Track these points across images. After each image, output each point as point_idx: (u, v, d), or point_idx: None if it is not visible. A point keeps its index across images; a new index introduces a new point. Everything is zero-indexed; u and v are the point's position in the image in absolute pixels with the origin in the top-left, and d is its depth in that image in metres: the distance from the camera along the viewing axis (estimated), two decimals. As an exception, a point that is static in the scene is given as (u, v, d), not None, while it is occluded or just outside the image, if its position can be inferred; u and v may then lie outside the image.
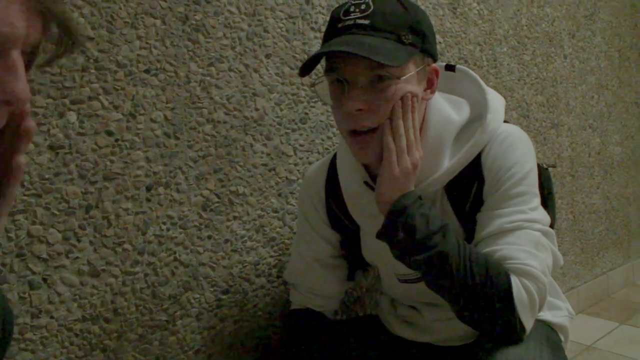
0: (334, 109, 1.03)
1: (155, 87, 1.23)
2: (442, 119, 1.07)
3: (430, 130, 1.06)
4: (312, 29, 1.55)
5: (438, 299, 1.05)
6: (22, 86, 0.52)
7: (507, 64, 2.30)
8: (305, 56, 1.52)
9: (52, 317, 1.09)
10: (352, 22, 0.96)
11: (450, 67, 1.19)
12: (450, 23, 2.01)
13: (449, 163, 1.05)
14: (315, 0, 1.55)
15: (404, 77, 0.97)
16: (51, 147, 1.09)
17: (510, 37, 2.32)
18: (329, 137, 1.58)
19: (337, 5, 1.07)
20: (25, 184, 1.06)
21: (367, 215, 1.15)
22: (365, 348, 1.27)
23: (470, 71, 1.17)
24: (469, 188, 1.07)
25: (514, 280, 0.95)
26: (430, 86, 1.05)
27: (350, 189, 1.17)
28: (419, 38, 0.99)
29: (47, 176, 1.08)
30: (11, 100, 0.52)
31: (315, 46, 1.54)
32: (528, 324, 0.96)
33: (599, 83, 2.95)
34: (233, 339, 1.37)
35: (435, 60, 1.06)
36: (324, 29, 1.57)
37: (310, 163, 1.53)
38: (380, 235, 1.01)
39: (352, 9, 0.98)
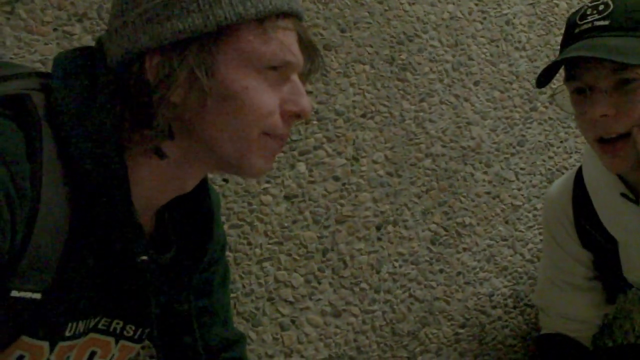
0: (577, 117, 0.98)
1: (373, 129, 1.27)
2: None
3: None
4: (517, 48, 1.50)
5: None
6: (308, 101, 0.69)
7: None
8: (514, 77, 1.47)
9: (302, 357, 1.15)
10: (589, 25, 0.92)
11: None
12: None
13: None
14: (515, 20, 1.51)
15: None
16: (287, 197, 1.16)
17: None
18: (550, 157, 1.50)
19: (573, 11, 1.02)
20: (268, 233, 1.14)
21: (629, 230, 1.06)
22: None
23: None
24: None
25: None
26: None
27: (606, 202, 1.09)
28: None
29: (286, 224, 1.16)
30: (302, 113, 0.68)
31: (523, 66, 1.49)
32: None
33: None
34: (476, 374, 1.33)
35: None
36: (528, 47, 1.53)
37: (533, 186, 1.46)
38: None
39: (588, 12, 0.93)
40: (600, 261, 1.17)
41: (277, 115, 0.68)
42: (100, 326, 0.72)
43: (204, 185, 0.78)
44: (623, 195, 1.04)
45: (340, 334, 1.19)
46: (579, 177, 1.16)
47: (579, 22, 0.94)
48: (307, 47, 0.71)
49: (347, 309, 1.20)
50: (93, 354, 0.73)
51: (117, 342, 0.75)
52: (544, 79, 0.97)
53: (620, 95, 0.91)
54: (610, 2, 0.91)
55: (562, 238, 1.18)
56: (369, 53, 1.29)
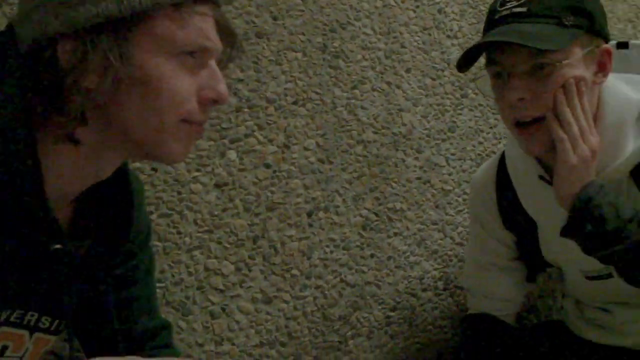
0: (497, 101, 1.01)
1: (305, 116, 1.27)
2: (620, 101, 1.00)
3: (608, 114, 1.00)
4: (449, 36, 1.53)
5: (633, 297, 0.97)
6: (225, 86, 0.69)
7: (669, 38, 2.11)
8: (445, 65, 1.50)
9: (233, 344, 1.16)
10: (508, 11, 0.95)
11: (622, 45, 1.12)
12: (598, 6, 1.89)
13: (633, 146, 0.98)
14: (447, 9, 1.54)
15: (567, 61, 0.92)
16: (217, 185, 1.16)
17: (668, 9, 2.13)
18: (480, 143, 1.54)
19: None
20: (198, 221, 1.14)
21: (545, 211, 1.09)
22: (552, 354, 1.21)
23: None
24: None
25: None
26: (602, 69, 0.98)
27: (524, 185, 1.13)
28: (583, 19, 0.94)
29: (216, 212, 1.16)
30: (219, 98, 0.69)
31: (454, 54, 1.52)
32: None
33: None
34: (405, 355, 1.37)
35: (607, 41, 0.99)
36: (459, 35, 1.56)
37: (463, 171, 1.50)
38: (565, 231, 0.96)
39: None
40: (522, 242, 1.22)
41: (194, 102, 0.68)
42: (12, 319, 0.70)
43: (122, 172, 0.77)
44: (541, 177, 1.07)
45: (272, 321, 1.20)
46: (502, 161, 1.19)
47: (499, 9, 0.97)
48: (226, 33, 0.71)
49: (278, 296, 1.21)
50: (5, 348, 0.72)
51: (31, 335, 0.74)
52: (464, 63, 0.99)
53: (536, 80, 0.94)
54: None
55: (487, 220, 1.22)
56: (301, 41, 1.29)
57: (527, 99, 0.94)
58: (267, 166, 1.22)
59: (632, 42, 1.10)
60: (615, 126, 0.99)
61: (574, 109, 0.94)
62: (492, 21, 0.97)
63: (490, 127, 1.55)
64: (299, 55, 1.28)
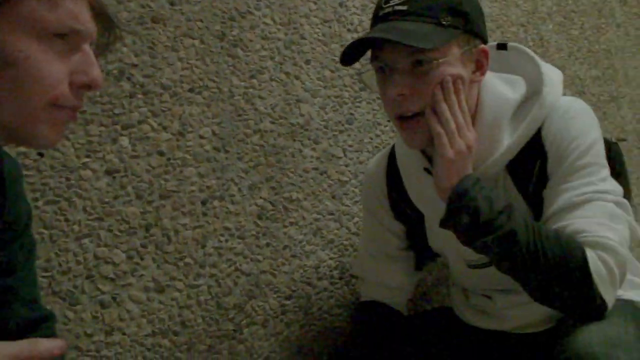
0: (381, 96, 1.04)
1: (201, 104, 1.26)
2: (497, 99, 1.05)
3: (486, 111, 1.04)
4: (349, 30, 1.56)
5: (511, 285, 1.02)
6: (99, 71, 0.67)
7: (555, 42, 2.24)
8: (345, 58, 1.53)
9: (124, 334, 1.14)
10: (390, 9, 0.98)
11: (502, 46, 1.17)
12: (490, 8, 1.98)
13: (508, 142, 1.03)
14: (349, 2, 1.57)
15: (444, 59, 0.96)
16: (108, 172, 1.14)
17: (554, 13, 2.26)
18: (377, 135, 1.58)
19: None
20: (88, 208, 1.11)
21: (430, 202, 1.13)
22: (439, 340, 1.26)
23: (524, 47, 1.14)
24: (532, 166, 1.04)
25: (590, 254, 0.91)
26: (479, 68, 1.03)
27: (410, 176, 1.17)
28: (460, 19, 0.98)
29: (106, 200, 1.13)
30: (92, 84, 0.67)
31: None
32: (609, 298, 0.92)
33: (658, 50, 2.83)
34: (301, 343, 1.39)
35: (484, 42, 1.04)
36: (359, 29, 1.59)
37: (360, 163, 1.53)
38: (444, 222, 1.00)
39: None
40: (411, 233, 1.26)
41: (65, 86, 0.66)
42: None
43: None
44: (425, 169, 1.11)
45: (164, 310, 1.18)
46: (392, 153, 1.24)
47: (383, 6, 1.00)
48: (102, 17, 0.70)
49: (171, 284, 1.20)
50: None
51: None
52: (348, 58, 1.02)
53: (416, 77, 0.97)
54: None
55: (378, 211, 1.26)
56: (199, 28, 1.28)
57: (407, 94, 0.97)
58: (161, 154, 1.20)
59: (511, 44, 1.16)
60: (492, 123, 1.04)
61: (451, 106, 0.98)
62: (376, 17, 1.00)
63: (388, 121, 1.60)
64: (197, 42, 1.27)
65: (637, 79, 2.65)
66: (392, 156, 1.24)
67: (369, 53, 1.04)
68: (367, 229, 1.31)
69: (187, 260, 1.22)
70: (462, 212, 0.95)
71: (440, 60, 0.96)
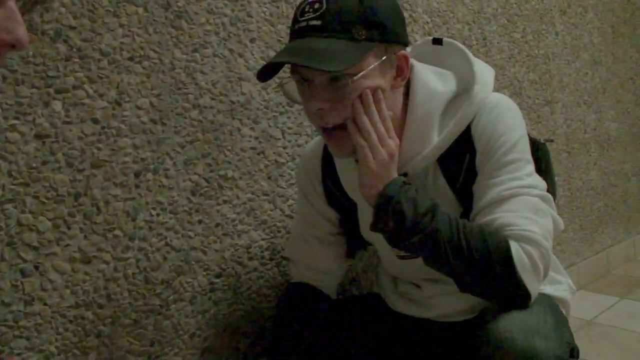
0: (303, 105, 1.05)
1: (140, 74, 1.24)
2: (428, 93, 1.07)
3: (417, 106, 1.06)
4: (297, 12, 1.55)
5: (438, 275, 1.05)
6: (24, 31, 0.62)
7: (497, 43, 2.30)
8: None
9: (45, 304, 1.11)
10: (305, 23, 0.96)
11: (437, 41, 1.19)
12: (438, 3, 2.02)
13: (439, 137, 1.06)
14: (299, -16, 1.56)
15: (361, 74, 0.96)
16: (37, 136, 1.10)
17: (499, 15, 2.32)
18: (317, 120, 1.58)
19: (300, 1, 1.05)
20: (13, 173, 1.07)
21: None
22: (366, 324, 1.28)
23: (458, 43, 1.16)
24: (462, 161, 1.08)
25: (514, 246, 0.95)
26: (400, 73, 1.04)
27: (344, 167, 1.18)
28: (375, 31, 0.97)
29: (34, 165, 1.10)
30: (16, 43, 0.62)
31: (300, 29, 1.54)
32: (533, 288, 0.96)
33: (593, 59, 2.95)
34: (228, 321, 1.39)
35: (405, 46, 1.05)
36: (308, 12, 1.59)
37: (298, 146, 1.54)
38: (372, 227, 1.02)
39: (307, 9, 0.97)
40: (344, 220, 1.28)
41: None
42: None
43: None
44: (357, 162, 1.13)
45: (89, 281, 1.16)
46: None
47: (299, 19, 0.98)
48: None
49: (98, 256, 1.17)
50: None
51: None
52: (265, 75, 1.00)
53: (335, 91, 0.98)
54: (324, 2, 0.96)
55: (312, 195, 1.27)
56: (148, -5, 1.25)
57: (325, 108, 0.99)
58: (95, 121, 1.17)
59: (446, 39, 1.18)
60: (423, 117, 1.06)
61: (371, 117, 0.99)
62: (293, 30, 0.99)
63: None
64: (140, 10, 1.24)
65: (570, 86, 2.76)
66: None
67: None
68: (300, 211, 1.32)
69: (116, 232, 1.20)
70: (389, 217, 0.98)
71: (355, 77, 0.96)
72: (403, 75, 1.05)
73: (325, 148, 1.25)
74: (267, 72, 1.00)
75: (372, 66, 0.98)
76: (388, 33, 0.99)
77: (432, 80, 1.09)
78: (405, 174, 1.09)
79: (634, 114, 3.32)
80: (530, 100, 2.48)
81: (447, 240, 0.96)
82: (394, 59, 1.02)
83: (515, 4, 2.42)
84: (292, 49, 0.95)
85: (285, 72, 1.11)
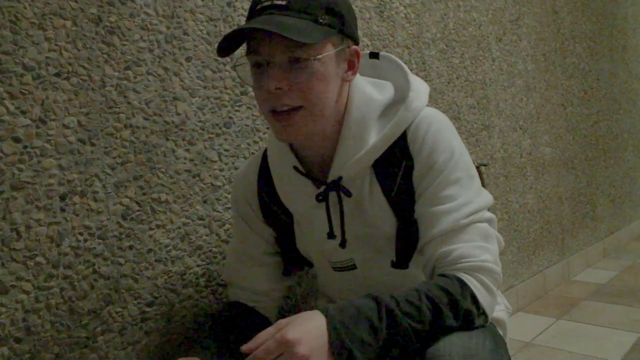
0: (255, 90, 1.04)
1: (68, 91, 1.17)
2: (365, 99, 1.08)
3: (354, 109, 1.07)
4: (235, 31, 1.52)
5: (374, 288, 1.04)
6: None
7: (436, 67, 2.33)
8: (228, 59, 1.49)
9: (-44, 339, 1.02)
10: (269, 2, 0.98)
11: (374, 55, 1.21)
12: (378, 26, 2.02)
13: (374, 140, 1.07)
14: (237, 3, 1.53)
15: (320, 57, 0.98)
16: (-49, 156, 1.02)
17: (438, 40, 2.35)
18: (255, 142, 1.55)
19: None
20: None
21: (299, 201, 1.16)
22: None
23: (395, 57, 1.19)
24: (397, 167, 1.08)
25: (469, 279, 0.97)
26: (351, 67, 1.06)
27: (280, 175, 1.17)
28: (336, 19, 1.00)
29: (-54, 187, 1.01)
30: None
31: (238, 50, 1.51)
32: (490, 309, 1.00)
33: (527, 85, 3.03)
34: (160, 353, 1.32)
35: (356, 43, 1.07)
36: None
37: (236, 168, 1.49)
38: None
39: None
40: (280, 237, 1.26)
41: None
42: None
43: None
44: (295, 168, 1.13)
45: (6, 313, 1.07)
46: (265, 154, 1.25)
47: (262, 0, 0.99)
48: None
49: (17, 285, 1.09)
50: None
51: None
52: (224, 50, 1.01)
53: (293, 71, 0.98)
54: None
55: (247, 214, 1.25)
56: (72, 8, 1.19)
57: (284, 88, 0.98)
58: (17, 140, 1.09)
59: (382, 53, 1.21)
60: (359, 121, 1.07)
61: None
62: (254, 11, 1.00)
63: (267, 128, 1.57)
64: (68, 23, 1.18)
65: (506, 111, 2.82)
66: (264, 157, 1.25)
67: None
68: (236, 232, 1.29)
69: (39, 259, 1.12)
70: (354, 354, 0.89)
71: (317, 57, 0.98)
72: (354, 70, 1.07)
73: (262, 163, 1.23)
74: (226, 46, 1.00)
75: (331, 52, 1.00)
76: (346, 25, 1.02)
77: (369, 88, 1.11)
78: (340, 178, 1.09)
79: (566, 139, 3.42)
80: (469, 125, 2.52)
81: (410, 324, 0.90)
82: (347, 52, 1.05)
83: (454, 29, 2.46)
84: (257, 21, 0.96)
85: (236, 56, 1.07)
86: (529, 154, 3.00)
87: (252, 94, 1.54)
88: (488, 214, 1.07)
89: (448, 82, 2.39)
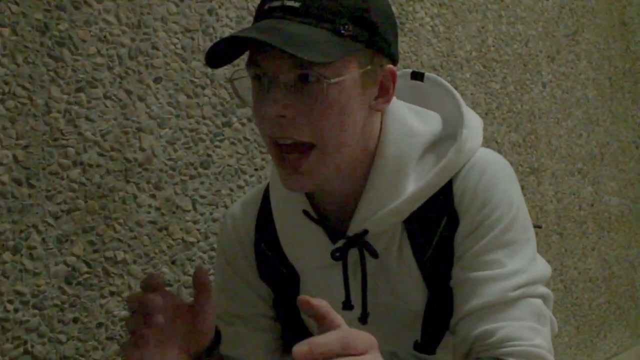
0: (255, 111, 1.01)
1: (2, 117, 1.19)
2: (405, 131, 1.06)
3: (389, 145, 1.05)
4: (218, 45, 1.55)
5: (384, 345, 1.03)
6: None
7: (471, 94, 2.36)
8: (208, 82, 1.52)
9: None
10: (279, 3, 0.95)
11: (417, 75, 1.20)
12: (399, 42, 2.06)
13: (413, 188, 1.04)
14: (220, 11, 1.56)
15: (337, 79, 0.94)
16: None
17: (473, 60, 2.39)
18: (239, 187, 1.56)
19: None
20: None
21: (308, 257, 1.13)
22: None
23: (444, 81, 1.17)
24: (436, 225, 1.06)
25: None
26: (384, 93, 1.02)
27: (285, 221, 1.14)
28: (364, 31, 0.96)
29: None
30: None
31: (221, 70, 1.53)
32: None
33: (588, 118, 3.06)
34: None
35: (394, 62, 1.04)
36: (232, 46, 1.59)
37: (214, 220, 1.51)
38: None
39: None
40: (279, 299, 1.23)
41: None
42: None
43: None
44: (305, 212, 1.10)
45: None
46: (267, 193, 1.21)
47: None
48: None
49: None
50: None
51: None
52: (217, 59, 0.97)
53: (301, 95, 0.94)
54: None
55: (240, 265, 1.22)
56: (12, 12, 1.22)
57: (288, 116, 0.94)
58: None
59: (428, 74, 1.19)
60: (395, 159, 1.04)
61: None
62: (262, 11, 0.97)
63: (255, 169, 1.59)
64: (6, 31, 1.21)
65: (561, 151, 2.84)
66: (266, 196, 1.21)
67: None
68: (221, 287, 1.25)
69: (-45, 334, 1.12)
70: None
71: (332, 80, 0.93)
72: (387, 97, 1.03)
73: (262, 203, 1.22)
74: (219, 56, 0.96)
75: (354, 73, 0.96)
76: (379, 38, 0.98)
77: (411, 118, 1.08)
78: (365, 232, 1.07)
79: (638, 187, 3.43)
80: (512, 168, 2.53)
81: None
82: (379, 73, 1.00)
83: (494, 46, 2.50)
84: (259, 28, 0.93)
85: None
86: (591, 206, 3.01)
87: (237, 126, 1.56)
88: (543, 289, 1.05)
89: (486, 113, 2.42)
